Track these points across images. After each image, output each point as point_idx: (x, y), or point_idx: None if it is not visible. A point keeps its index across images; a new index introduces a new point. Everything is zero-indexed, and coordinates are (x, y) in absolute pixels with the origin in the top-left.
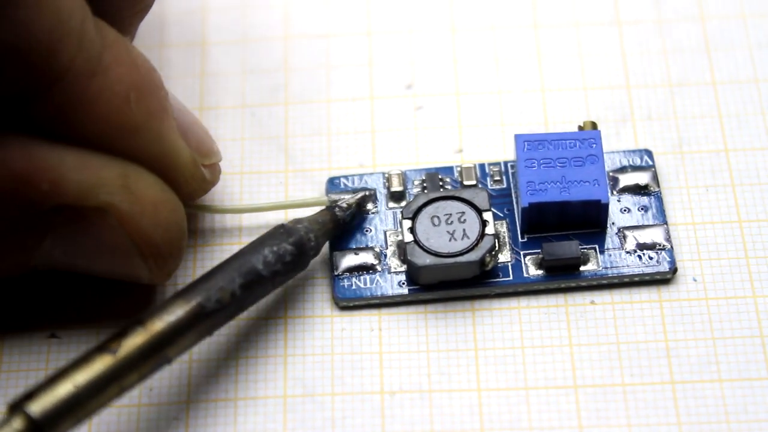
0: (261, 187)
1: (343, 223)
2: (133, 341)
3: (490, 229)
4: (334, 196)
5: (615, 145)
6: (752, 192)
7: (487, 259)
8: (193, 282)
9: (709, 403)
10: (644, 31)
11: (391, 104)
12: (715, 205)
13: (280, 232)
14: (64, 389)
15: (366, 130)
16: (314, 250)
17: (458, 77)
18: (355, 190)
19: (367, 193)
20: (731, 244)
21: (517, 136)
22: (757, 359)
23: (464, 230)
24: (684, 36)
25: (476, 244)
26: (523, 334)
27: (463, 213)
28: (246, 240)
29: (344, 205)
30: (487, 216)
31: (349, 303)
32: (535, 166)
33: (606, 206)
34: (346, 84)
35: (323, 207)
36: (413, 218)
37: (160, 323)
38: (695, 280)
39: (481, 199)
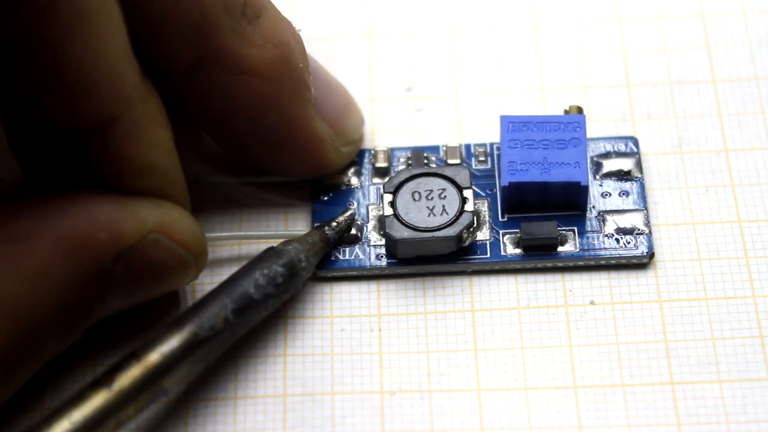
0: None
1: (333, 242)
2: (128, 375)
3: (469, 206)
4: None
5: (604, 131)
6: (752, 192)
7: (465, 235)
8: (185, 310)
9: (709, 404)
10: (644, 29)
11: (391, 107)
12: (715, 205)
13: (269, 254)
14: (60, 428)
15: (366, 132)
16: (306, 271)
17: (458, 79)
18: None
19: (355, 213)
20: (731, 243)
21: (502, 117)
22: (757, 359)
23: (444, 206)
24: (684, 33)
25: (455, 220)
26: (523, 334)
27: (444, 190)
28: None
29: (334, 224)
30: (468, 193)
31: (327, 274)
32: (518, 147)
33: (585, 189)
34: (346, 86)
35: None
36: (394, 193)
37: (154, 355)
38: (694, 281)
39: (462, 176)
